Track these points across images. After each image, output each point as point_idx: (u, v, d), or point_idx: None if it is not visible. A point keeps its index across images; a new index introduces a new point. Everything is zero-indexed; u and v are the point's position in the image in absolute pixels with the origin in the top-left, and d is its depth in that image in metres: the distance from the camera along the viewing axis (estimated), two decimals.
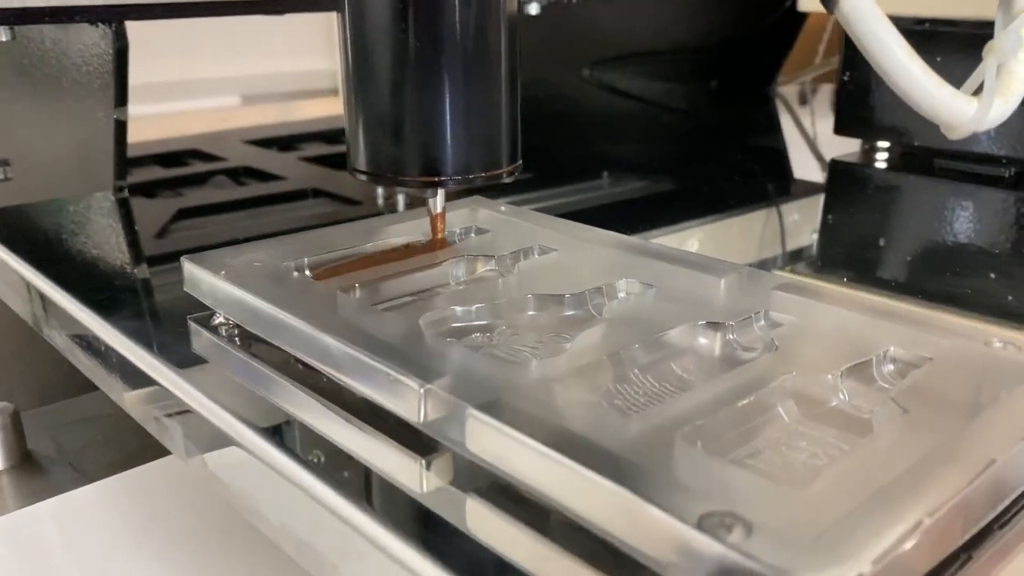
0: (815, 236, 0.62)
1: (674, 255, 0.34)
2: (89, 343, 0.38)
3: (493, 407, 0.23)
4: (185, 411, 0.32)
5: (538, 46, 0.87)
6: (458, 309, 0.31)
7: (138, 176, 0.80)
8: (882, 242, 0.55)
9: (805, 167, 0.81)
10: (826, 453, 0.23)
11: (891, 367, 0.27)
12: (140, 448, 0.43)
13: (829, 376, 0.26)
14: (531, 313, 0.32)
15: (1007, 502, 0.22)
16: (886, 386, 0.27)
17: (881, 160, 0.58)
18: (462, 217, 0.40)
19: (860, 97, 0.56)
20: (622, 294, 0.33)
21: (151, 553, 0.39)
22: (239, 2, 0.49)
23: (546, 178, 0.74)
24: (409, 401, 0.25)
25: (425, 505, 0.26)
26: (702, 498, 0.20)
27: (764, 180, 0.78)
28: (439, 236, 0.38)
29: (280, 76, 1.27)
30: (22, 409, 0.48)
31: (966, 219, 0.52)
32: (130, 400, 0.35)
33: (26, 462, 0.47)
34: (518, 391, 0.25)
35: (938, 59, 0.51)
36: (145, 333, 0.38)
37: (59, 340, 0.40)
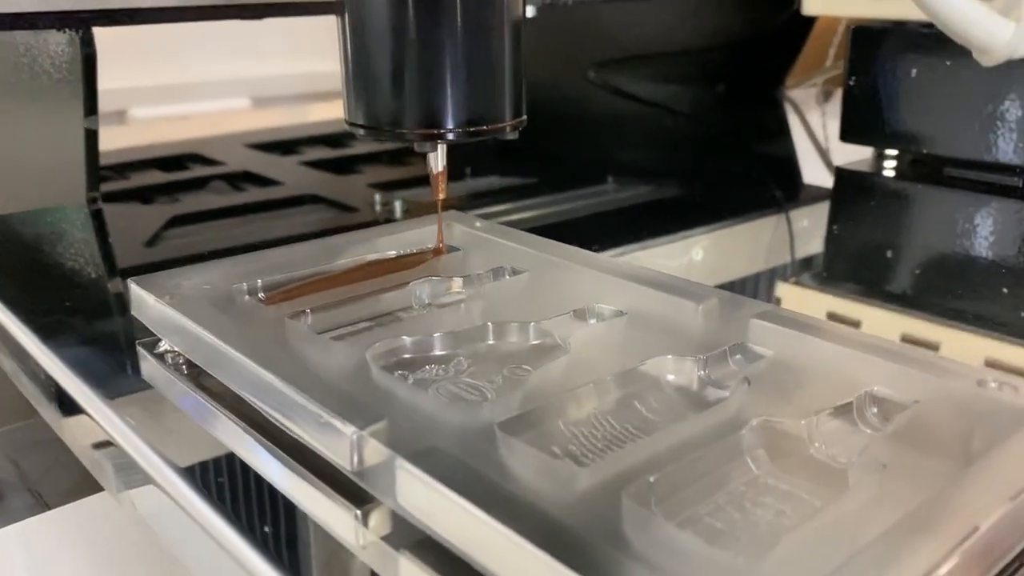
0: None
1: (651, 278, 0.32)
2: (29, 366, 0.36)
3: (426, 457, 0.21)
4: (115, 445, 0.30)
5: (542, 47, 0.85)
6: (407, 339, 0.29)
7: (135, 181, 0.78)
8: (889, 254, 0.53)
9: (815, 172, 0.78)
10: (795, 511, 0.21)
11: (874, 410, 0.25)
12: None
13: (804, 420, 0.24)
14: (491, 342, 0.30)
15: (993, 573, 0.19)
16: (868, 431, 0.24)
17: (890, 168, 0.55)
18: (435, 234, 0.38)
19: (867, 103, 0.53)
20: (592, 321, 0.31)
21: None
22: (209, 7, 0.47)
23: (550, 183, 0.72)
24: (341, 446, 0.23)
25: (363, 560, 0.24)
26: (644, 571, 0.18)
27: (772, 186, 0.75)
28: (440, 196, 0.35)
29: (288, 78, 1.25)
30: None
31: (977, 230, 0.49)
32: (66, 429, 0.33)
33: None
34: (461, 438, 0.23)
35: (948, 63, 0.49)
36: (97, 356, 0.37)
37: (5, 362, 0.38)
